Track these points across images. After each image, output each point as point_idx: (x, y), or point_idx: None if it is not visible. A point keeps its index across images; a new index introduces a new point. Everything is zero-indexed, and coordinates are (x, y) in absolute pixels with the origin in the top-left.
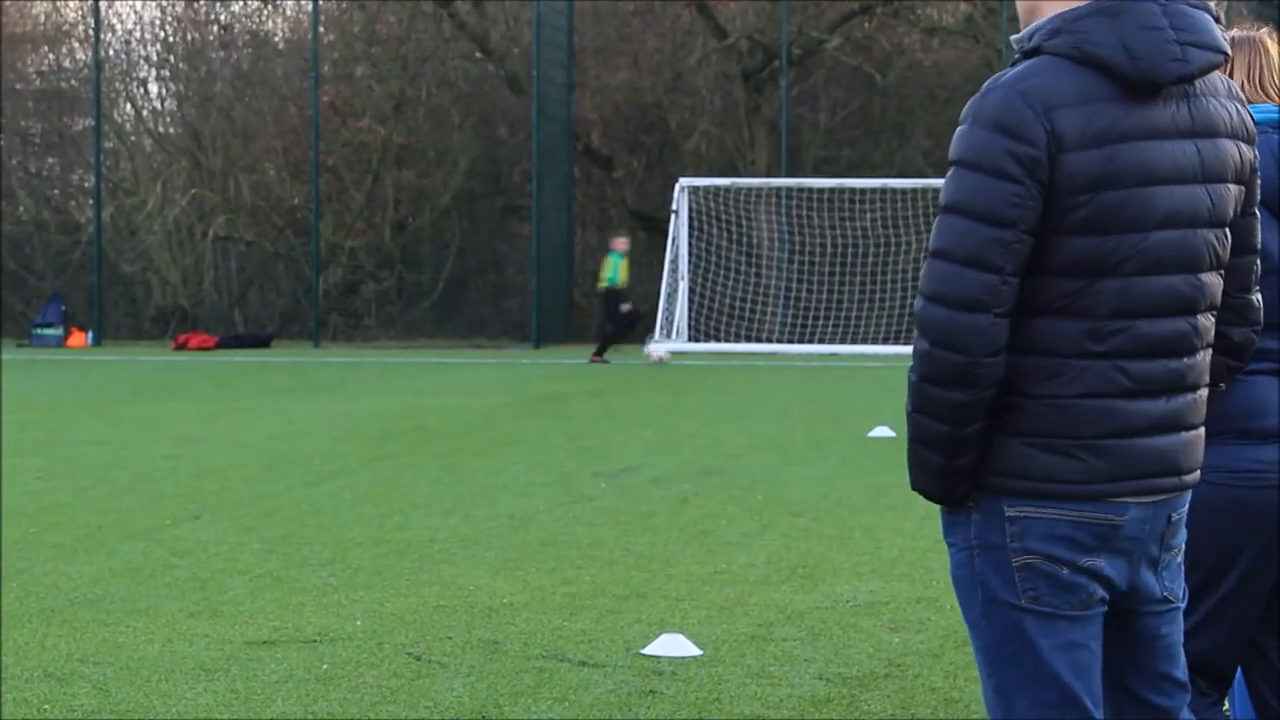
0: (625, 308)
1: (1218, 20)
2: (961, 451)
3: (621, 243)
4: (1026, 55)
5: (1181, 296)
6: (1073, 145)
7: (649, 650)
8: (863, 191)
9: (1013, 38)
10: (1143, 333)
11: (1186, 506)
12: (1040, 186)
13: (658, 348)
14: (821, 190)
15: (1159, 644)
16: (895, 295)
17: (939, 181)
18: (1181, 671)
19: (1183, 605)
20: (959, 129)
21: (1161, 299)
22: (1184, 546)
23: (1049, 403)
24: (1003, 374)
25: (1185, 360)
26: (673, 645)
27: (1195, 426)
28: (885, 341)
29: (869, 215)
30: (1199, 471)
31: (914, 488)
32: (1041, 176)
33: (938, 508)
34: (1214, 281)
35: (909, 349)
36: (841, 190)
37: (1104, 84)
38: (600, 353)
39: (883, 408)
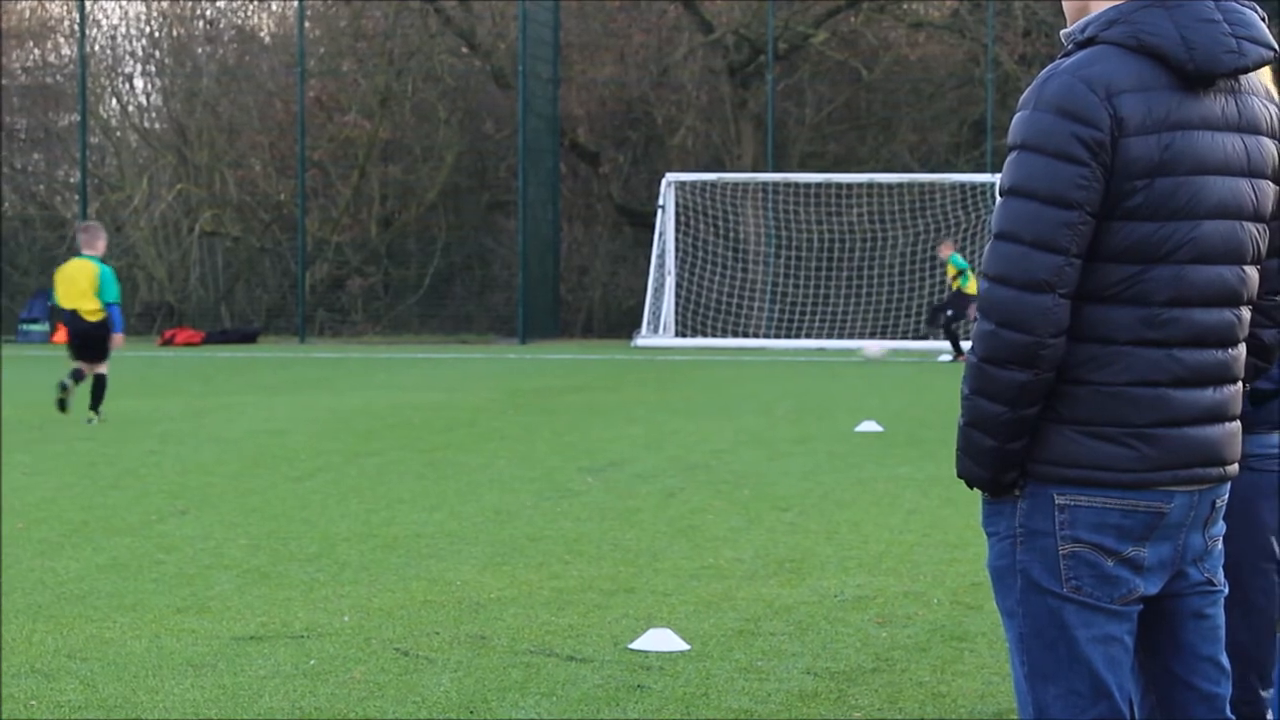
0: None
1: (1263, 20)
2: (1015, 435)
3: None
4: (1080, 46)
5: (1229, 287)
6: (1134, 130)
7: (636, 645)
8: (849, 186)
9: (1062, 32)
10: (1196, 321)
11: (1227, 494)
12: (1103, 169)
13: (871, 346)
14: (808, 185)
15: (1202, 627)
16: (882, 290)
17: (926, 176)
18: (1224, 657)
19: (1224, 591)
20: (1018, 115)
21: (1210, 288)
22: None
23: (1102, 390)
24: (1062, 356)
25: (1230, 351)
26: (660, 640)
27: (1236, 418)
28: (872, 336)
29: (856, 210)
30: (1238, 463)
31: (960, 474)
32: (1105, 160)
33: (925, 503)
34: (1254, 275)
35: (897, 344)
36: (828, 185)
37: (1160, 73)
38: None
39: (869, 403)
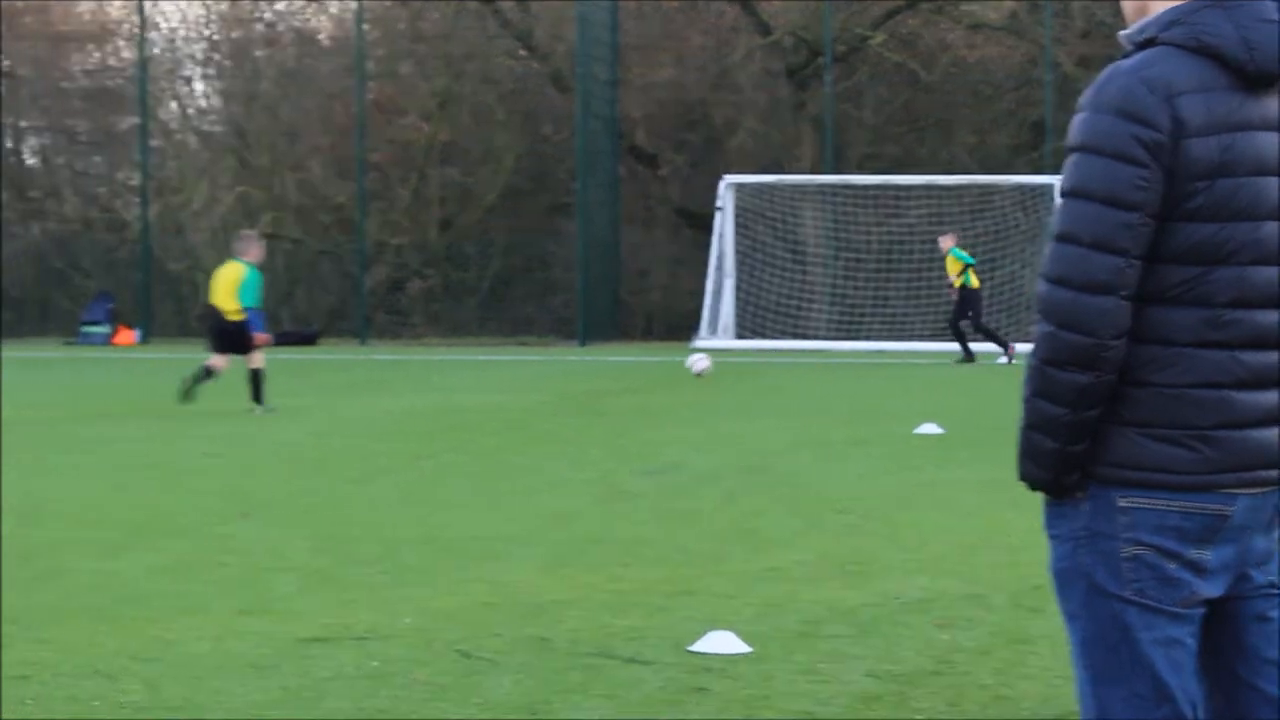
0: None
1: None
2: (1077, 437)
3: None
4: (1140, 47)
5: None
6: (1194, 131)
7: (697, 647)
8: (908, 188)
9: (1121, 34)
10: (1257, 323)
11: None
12: (1163, 171)
13: (699, 361)
14: (867, 187)
15: (1266, 630)
16: (942, 292)
17: (985, 178)
18: None
19: None
20: (1078, 116)
21: (1271, 289)
22: None
23: (1164, 392)
24: (1123, 358)
25: None
26: (721, 642)
27: None
28: (932, 339)
29: (915, 212)
30: None
31: (1021, 477)
32: (1164, 161)
33: (986, 505)
34: None
35: (956, 346)
36: (887, 187)
37: (1219, 74)
38: None
39: (929, 405)
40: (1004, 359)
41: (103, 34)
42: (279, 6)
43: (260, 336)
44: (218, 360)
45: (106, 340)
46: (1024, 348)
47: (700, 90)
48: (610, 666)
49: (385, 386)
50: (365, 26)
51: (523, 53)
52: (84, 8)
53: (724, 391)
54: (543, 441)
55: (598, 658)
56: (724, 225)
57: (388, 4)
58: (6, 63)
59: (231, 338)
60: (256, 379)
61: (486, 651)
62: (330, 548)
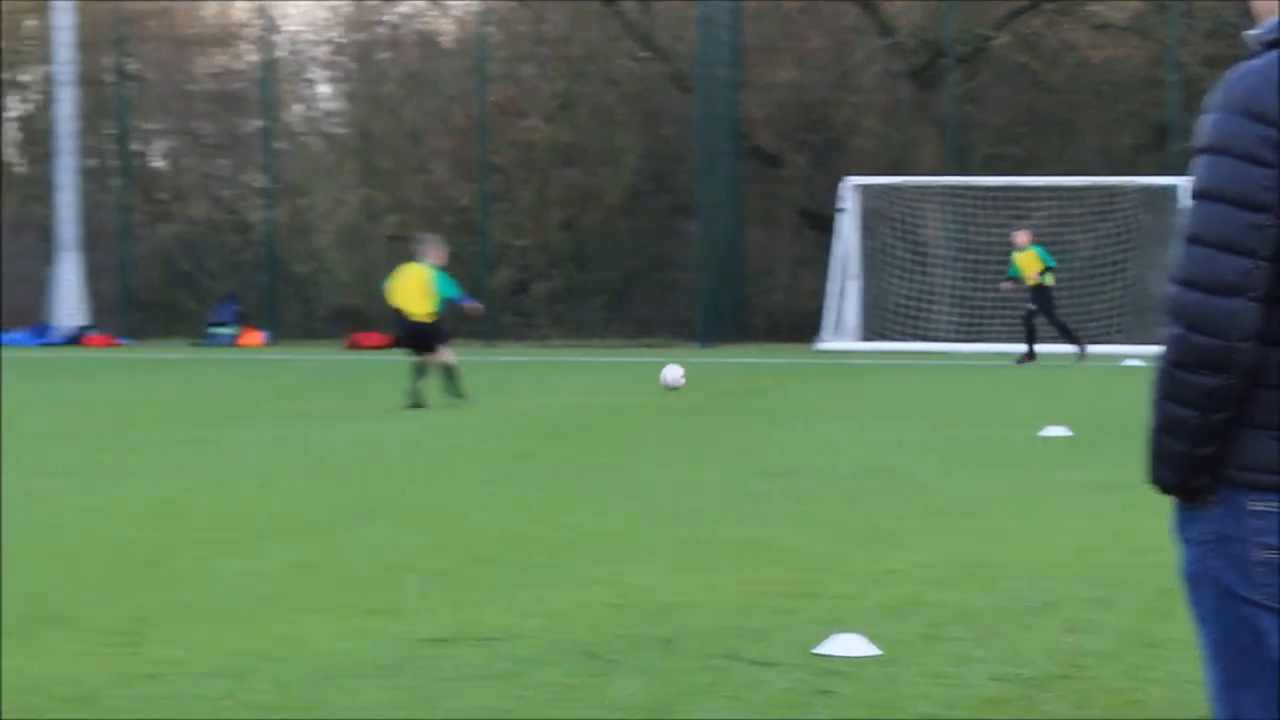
0: None
1: None
2: (1207, 440)
3: None
4: (1268, 46)
5: None
6: None
7: (823, 649)
8: (1032, 189)
9: (1248, 33)
10: None
11: None
12: None
13: (672, 372)
14: (990, 188)
15: None
16: (1066, 294)
17: (1109, 179)
18: None
19: None
20: (1206, 117)
21: None
22: None
23: None
24: (1254, 360)
25: None
26: (846, 645)
27: None
28: (1056, 341)
29: (1039, 213)
30: None
31: (1151, 479)
32: None
33: (1114, 508)
34: None
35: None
36: (1010, 188)
37: None
38: None
39: (1054, 407)
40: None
41: (227, 37)
42: (402, 9)
43: (474, 307)
44: (445, 354)
45: (232, 342)
46: (1150, 350)
47: (821, 91)
48: (736, 668)
49: (511, 387)
50: (488, 28)
51: (644, 54)
52: (209, 11)
53: (848, 393)
54: (666, 443)
55: (723, 659)
56: (846, 226)
57: (510, 6)
58: (133, 66)
59: (421, 338)
60: (450, 373)
61: (612, 652)
62: (456, 548)
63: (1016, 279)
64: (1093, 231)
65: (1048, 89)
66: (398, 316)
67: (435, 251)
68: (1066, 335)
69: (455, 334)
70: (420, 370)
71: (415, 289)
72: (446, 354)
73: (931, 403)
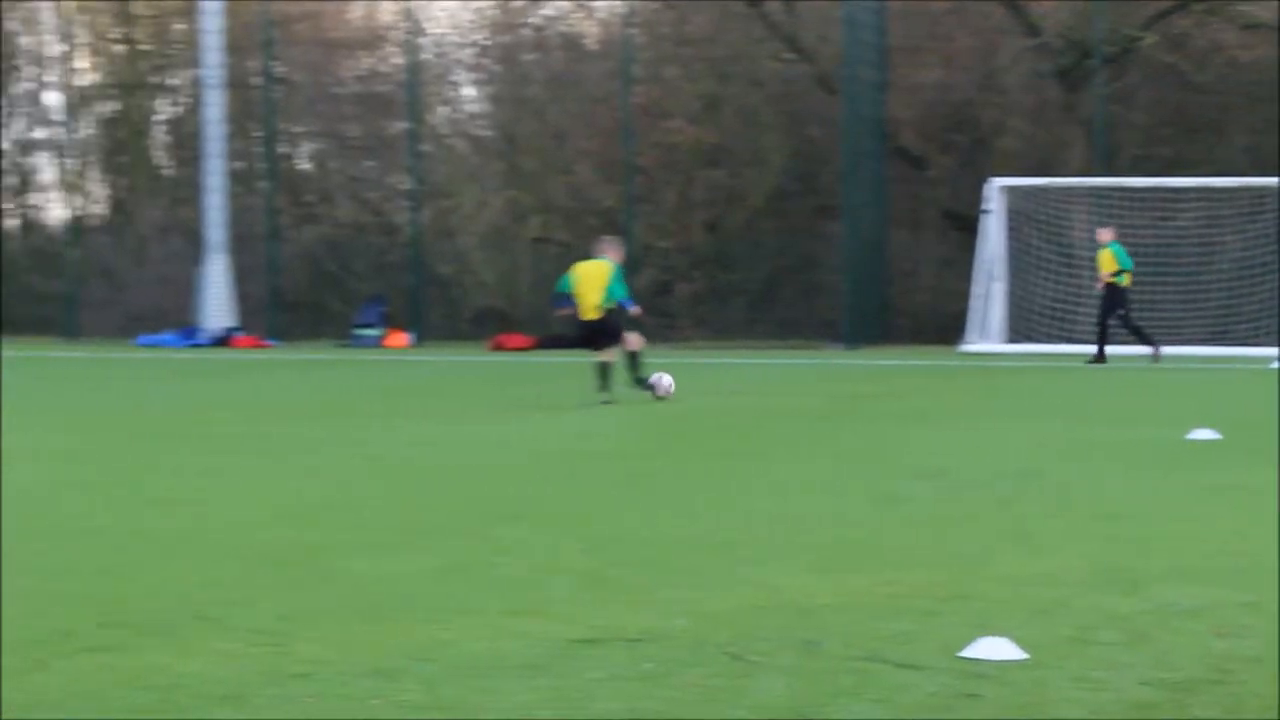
0: None
1: None
2: None
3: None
4: None
5: None
6: None
7: (969, 653)
8: (1180, 190)
9: None
10: None
11: None
12: None
13: (663, 380)
14: (1138, 189)
15: None
16: (1215, 295)
17: (1260, 180)
18: None
19: None
20: None
21: None
22: None
23: None
24: None
25: None
26: (993, 648)
27: None
28: (1205, 343)
29: (1187, 214)
30: None
31: None
32: None
33: (1265, 512)
34: None
35: (1229, 350)
36: (1158, 189)
37: None
38: None
39: (1203, 409)
40: (1151, 358)
41: (373, 40)
42: (547, 11)
43: (635, 310)
44: (633, 341)
45: (378, 343)
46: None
47: (967, 91)
48: (881, 671)
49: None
50: (632, 30)
51: (789, 55)
52: (355, 14)
53: (994, 395)
54: (812, 444)
55: (869, 662)
56: (992, 228)
57: (654, 7)
58: (281, 69)
59: (595, 335)
60: (633, 359)
61: (757, 654)
62: (601, 549)
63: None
64: (1242, 233)
65: (1196, 89)
66: (572, 316)
67: (614, 251)
68: (1140, 337)
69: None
70: (604, 368)
71: (595, 283)
72: (633, 340)
73: (1078, 404)
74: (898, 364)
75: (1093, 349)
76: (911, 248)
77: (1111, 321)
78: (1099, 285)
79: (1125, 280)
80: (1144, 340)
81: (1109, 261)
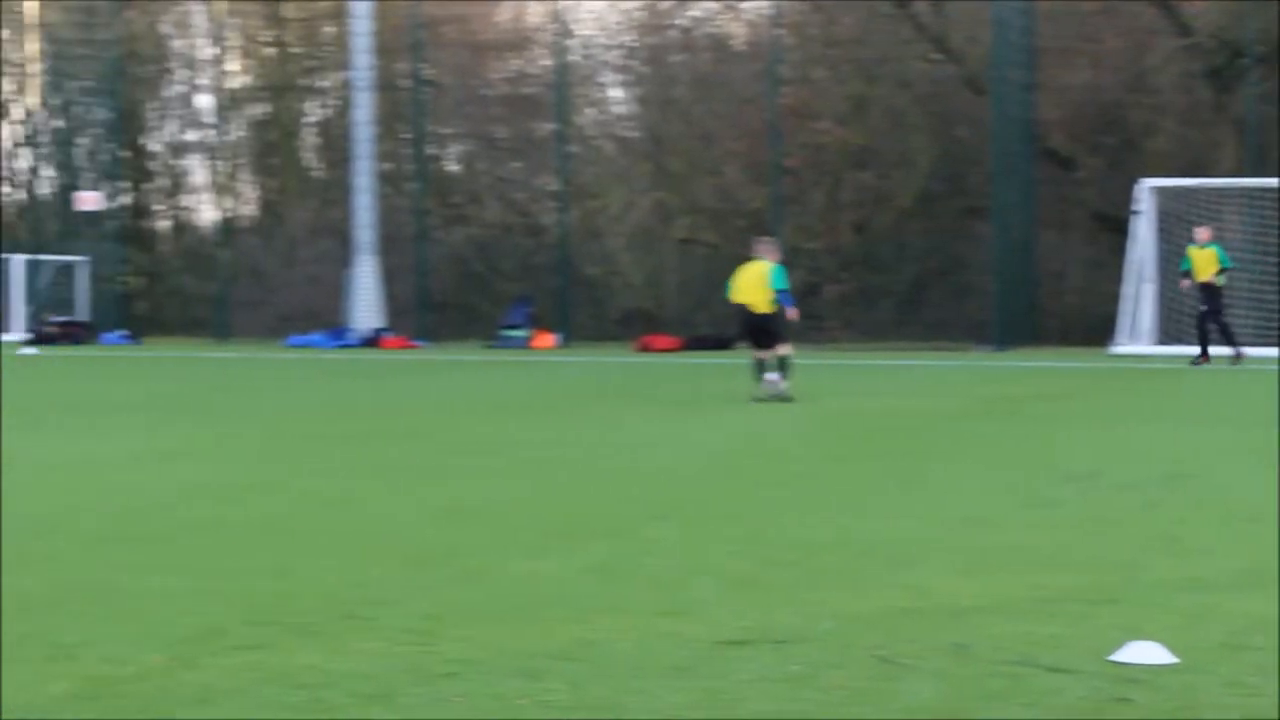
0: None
1: None
2: None
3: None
4: None
5: None
6: None
7: (1120, 657)
8: None
9: None
10: None
11: None
12: None
13: (772, 378)
14: None
15: None
16: None
17: None
18: None
19: None
20: None
21: None
22: None
23: None
24: None
25: None
26: (1144, 652)
27: None
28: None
29: None
30: None
31: None
32: None
33: None
34: None
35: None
36: None
37: None
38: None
39: None
40: (1231, 359)
41: (521, 42)
42: (694, 12)
43: (792, 311)
44: (783, 347)
45: (525, 344)
46: None
47: (1117, 92)
48: (1031, 674)
49: (800, 391)
50: (779, 31)
51: (937, 56)
52: (503, 16)
53: (1144, 397)
54: (960, 446)
55: (1018, 665)
56: (1142, 229)
57: (801, 8)
58: (429, 71)
59: (761, 328)
60: (784, 364)
61: (905, 657)
62: (748, 550)
63: (1190, 274)
64: None
65: None
66: (740, 312)
67: (770, 251)
68: (1227, 338)
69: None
70: (761, 366)
71: (757, 283)
72: (785, 346)
73: (1231, 406)
74: (1047, 366)
75: (1229, 349)
76: (1060, 249)
77: (1211, 325)
78: (1185, 284)
79: (1221, 280)
80: (1229, 341)
81: (1211, 262)
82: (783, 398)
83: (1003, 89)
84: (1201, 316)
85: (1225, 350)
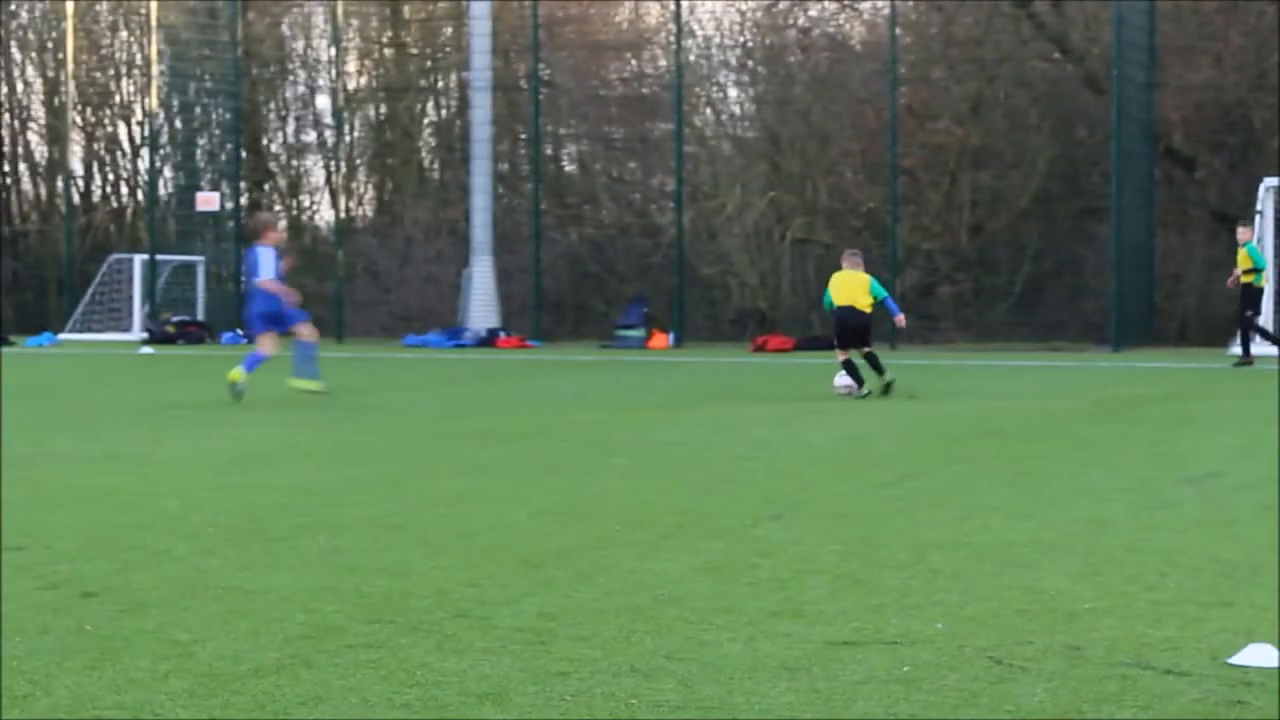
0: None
1: None
2: None
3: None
4: None
5: None
6: None
7: (1236, 660)
8: None
9: None
10: None
11: None
12: None
13: (841, 380)
14: None
15: None
16: None
17: None
18: None
19: None
20: None
21: None
22: None
23: None
24: None
25: None
26: (1261, 656)
27: None
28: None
29: None
30: None
31: None
32: None
33: None
34: None
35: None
36: None
37: None
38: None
39: None
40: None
41: (639, 42)
42: (812, 12)
43: (900, 317)
44: (841, 354)
45: (641, 344)
46: None
47: (1239, 91)
48: (1146, 677)
49: (917, 390)
50: (897, 31)
51: (1057, 55)
52: (621, 17)
53: (1263, 399)
54: (1077, 448)
55: (1133, 668)
56: (1264, 229)
57: (920, 8)
58: (547, 72)
59: (859, 330)
60: (874, 361)
61: (1018, 659)
62: (860, 551)
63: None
64: None
65: None
66: (841, 314)
67: (858, 263)
68: (1268, 338)
69: None
70: (852, 366)
71: (858, 288)
72: (868, 345)
73: None
74: (1165, 367)
75: (1273, 348)
76: (1179, 249)
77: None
78: (1232, 282)
79: (1260, 280)
80: (1272, 340)
81: (1243, 261)
82: (862, 396)
83: (1123, 88)
84: (1242, 317)
85: (1273, 350)
